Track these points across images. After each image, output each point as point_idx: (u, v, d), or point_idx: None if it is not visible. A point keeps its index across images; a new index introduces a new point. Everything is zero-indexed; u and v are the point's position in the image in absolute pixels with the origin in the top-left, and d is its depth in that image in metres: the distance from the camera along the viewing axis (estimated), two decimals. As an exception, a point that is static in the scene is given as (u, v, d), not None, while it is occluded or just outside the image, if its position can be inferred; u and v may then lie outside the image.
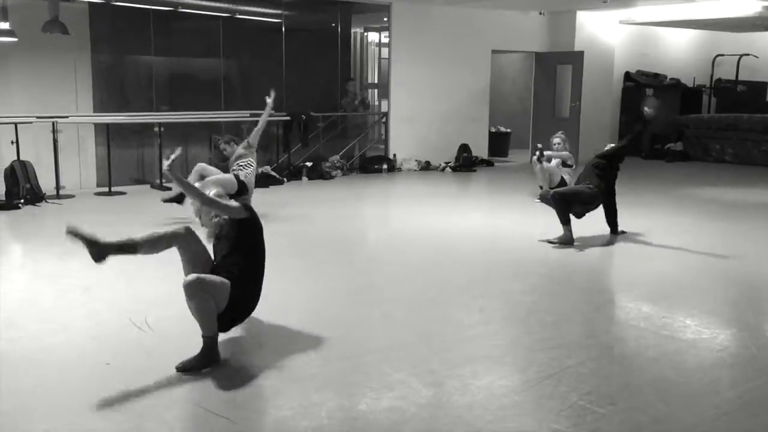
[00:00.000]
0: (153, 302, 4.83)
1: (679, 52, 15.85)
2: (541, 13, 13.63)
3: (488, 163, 13.04)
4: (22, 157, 8.74)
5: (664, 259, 6.20)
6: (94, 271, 5.69)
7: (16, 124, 8.67)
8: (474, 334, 4.27)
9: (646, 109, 7.64)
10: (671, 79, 15.16)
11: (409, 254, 6.44)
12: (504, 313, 4.75)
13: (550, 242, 6.51)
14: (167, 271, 5.76)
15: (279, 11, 11.63)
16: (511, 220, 8.05)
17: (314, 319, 4.47)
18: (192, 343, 4.04)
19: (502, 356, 3.91)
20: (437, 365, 3.75)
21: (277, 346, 4.03)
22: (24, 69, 9.31)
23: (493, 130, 14.15)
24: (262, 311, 4.20)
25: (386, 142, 12.63)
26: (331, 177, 11.24)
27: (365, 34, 16.65)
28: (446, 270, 5.90)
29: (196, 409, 3.27)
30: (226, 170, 7.45)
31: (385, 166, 12.07)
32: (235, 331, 4.11)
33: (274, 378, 3.57)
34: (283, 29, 11.62)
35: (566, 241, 6.49)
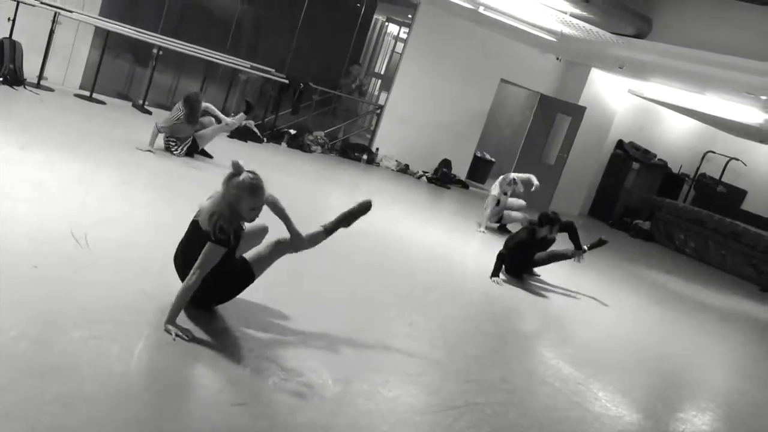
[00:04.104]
0: (101, 220, 4.78)
1: (674, 136, 16.14)
2: (558, 59, 13.76)
3: (463, 185, 13.13)
4: (14, 37, 8.56)
5: (600, 329, 6.32)
6: (53, 168, 5.64)
7: (18, 2, 8.48)
8: (397, 345, 4.31)
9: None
10: (659, 159, 15.44)
11: (359, 249, 6.46)
12: (433, 334, 4.81)
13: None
14: (127, 192, 5.73)
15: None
16: (469, 247, 8.13)
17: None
18: (120, 274, 4.03)
19: (416, 375, 3.95)
20: (353, 364, 3.78)
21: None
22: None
23: (478, 154, 14.25)
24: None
25: (373, 134, 12.64)
26: (310, 151, 11.21)
27: (386, 23, 16.64)
28: (390, 275, 5.94)
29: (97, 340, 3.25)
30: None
31: (364, 157, 12.08)
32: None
33: (200, 332, 3.57)
34: (309, -6, 11.55)
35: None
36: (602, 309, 6.98)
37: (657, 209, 14.03)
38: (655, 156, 15.42)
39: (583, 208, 15.12)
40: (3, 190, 4.74)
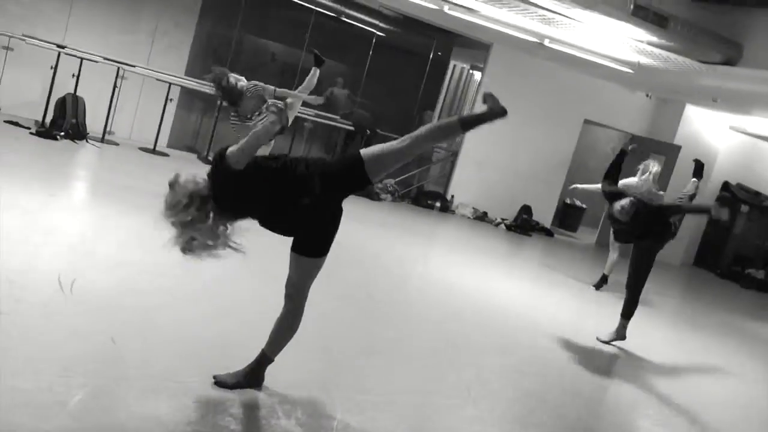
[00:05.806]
0: (94, 265, 4.52)
1: (789, 176, 14.66)
2: (647, 96, 12.87)
3: (548, 233, 12.31)
4: (80, 93, 8.76)
5: (691, 391, 5.38)
6: (73, 216, 5.50)
7: (82, 59, 8.69)
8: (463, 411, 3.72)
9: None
10: (773, 202, 14.03)
11: (425, 302, 5.86)
12: (498, 402, 4.17)
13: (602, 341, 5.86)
14: (145, 239, 5.40)
15: (376, 22, 11.37)
16: (549, 301, 7.26)
17: (302, 339, 3.59)
18: (94, 322, 3.69)
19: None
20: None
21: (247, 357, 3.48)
22: (121, 13, 9.53)
23: (567, 201, 13.41)
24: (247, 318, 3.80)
25: (448, 180, 12.13)
26: (380, 199, 10.83)
27: (471, 71, 16.25)
28: (454, 330, 5.29)
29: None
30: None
31: (438, 204, 11.57)
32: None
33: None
34: (374, 41, 11.34)
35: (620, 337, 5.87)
36: (703, 370, 5.99)
37: (771, 256, 12.65)
38: (767, 198, 14.03)
39: (687, 257, 13.82)
40: (10, 233, 4.57)
